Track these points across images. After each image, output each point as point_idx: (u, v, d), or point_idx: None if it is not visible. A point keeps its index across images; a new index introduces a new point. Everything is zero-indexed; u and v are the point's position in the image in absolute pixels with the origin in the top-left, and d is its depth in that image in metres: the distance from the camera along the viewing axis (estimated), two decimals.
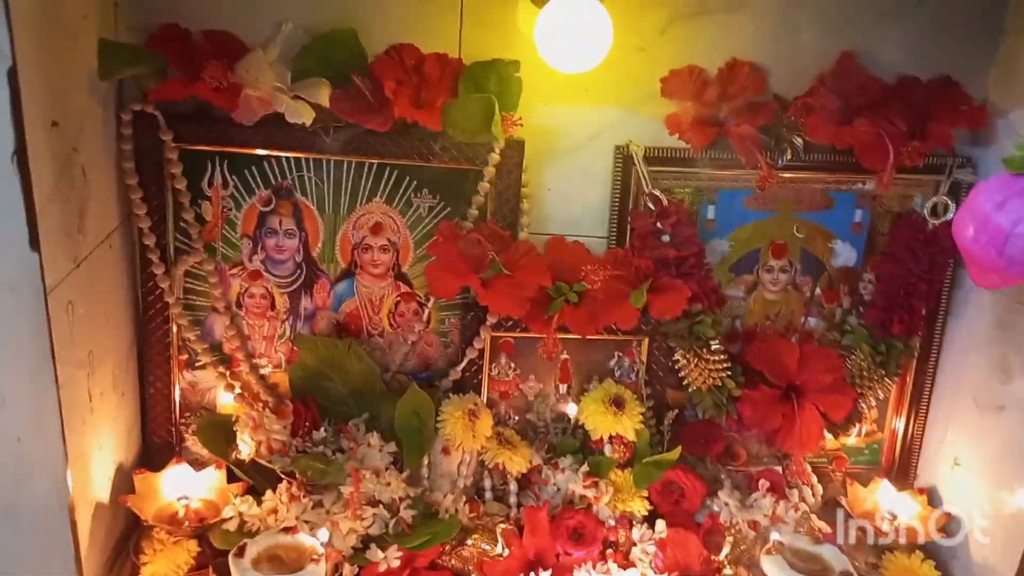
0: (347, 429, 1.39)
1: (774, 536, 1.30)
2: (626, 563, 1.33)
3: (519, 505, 1.41)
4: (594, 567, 1.31)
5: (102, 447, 1.28)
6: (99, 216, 1.24)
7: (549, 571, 1.28)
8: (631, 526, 1.36)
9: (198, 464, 1.40)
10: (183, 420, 1.44)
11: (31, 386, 0.99)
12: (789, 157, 1.38)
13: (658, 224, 1.38)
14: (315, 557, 1.14)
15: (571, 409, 1.47)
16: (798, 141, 1.37)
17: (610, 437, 1.42)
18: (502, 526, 1.32)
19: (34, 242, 0.94)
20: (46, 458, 0.99)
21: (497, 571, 1.31)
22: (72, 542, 1.02)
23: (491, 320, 1.41)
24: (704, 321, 1.39)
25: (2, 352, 0.96)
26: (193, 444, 1.45)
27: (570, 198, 1.44)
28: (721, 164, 1.40)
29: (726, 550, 1.34)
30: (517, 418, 1.49)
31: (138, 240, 1.35)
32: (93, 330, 1.23)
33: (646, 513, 1.39)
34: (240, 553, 1.13)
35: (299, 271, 1.41)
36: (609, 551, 1.34)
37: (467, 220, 1.39)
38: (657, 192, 1.38)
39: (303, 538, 1.18)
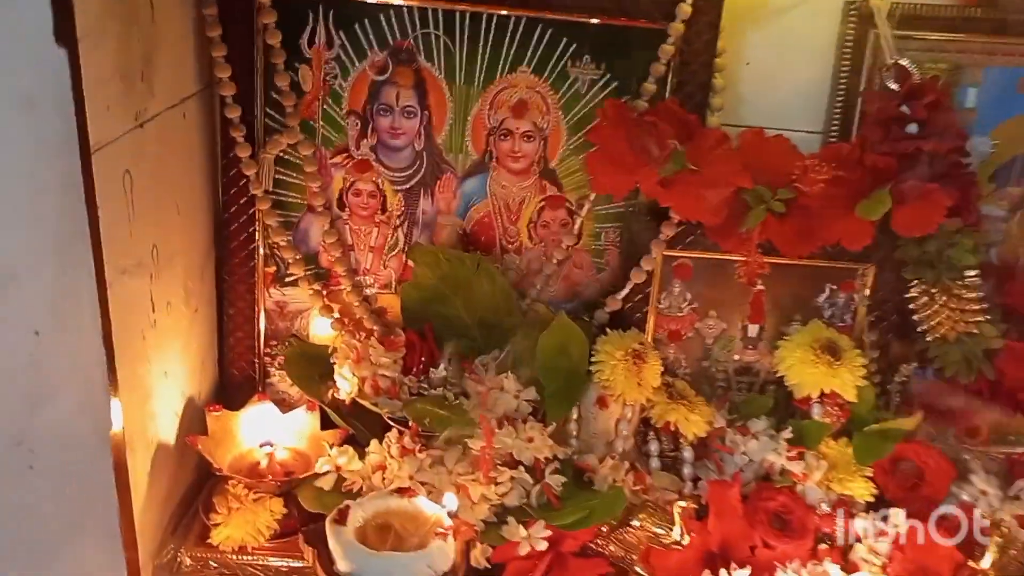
0: (473, 368, 1.08)
1: None
2: (846, 564, 0.97)
3: (695, 479, 1.07)
4: (803, 567, 0.97)
5: (167, 373, 0.99)
6: (171, 74, 0.95)
7: (747, 570, 0.94)
8: (851, 515, 1.01)
9: (285, 405, 1.11)
10: (268, 350, 1.15)
11: (55, 261, 0.70)
12: None
13: (904, 108, 1.01)
14: (440, 530, 0.83)
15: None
16: None
17: (820, 395, 1.07)
18: (682, 504, 0.99)
19: (62, 35, 0.63)
20: (77, 372, 0.70)
21: (670, 565, 0.98)
22: (115, 491, 0.72)
23: (664, 234, 1.07)
24: (962, 244, 1.02)
25: (12, 194, 0.66)
26: (279, 380, 1.16)
27: (776, 76, 1.10)
28: (995, 26, 1.02)
29: (989, 556, 0.97)
30: (688, 369, 1.15)
31: (219, 113, 1.06)
32: (159, 220, 0.94)
33: (871, 499, 1.03)
34: (341, 518, 0.82)
35: (418, 163, 1.10)
36: (823, 546, 0.99)
37: (640, 98, 1.05)
38: (905, 63, 1.01)
39: (424, 504, 0.86)
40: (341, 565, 0.79)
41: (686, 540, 0.98)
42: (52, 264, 0.70)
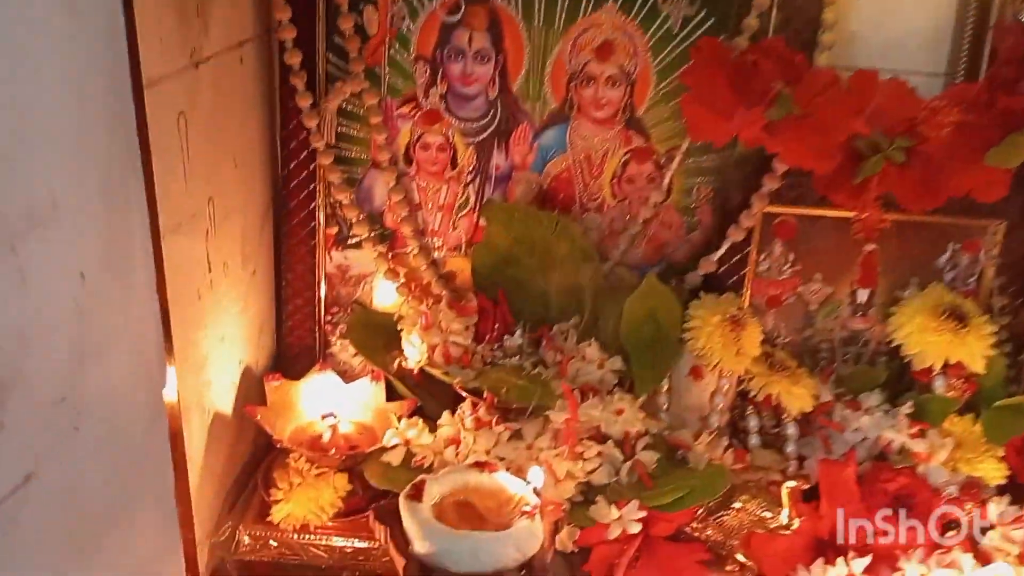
0: (551, 336, 0.99)
1: None
2: (977, 554, 0.86)
3: (800, 458, 0.96)
4: (928, 557, 0.85)
5: (224, 338, 0.92)
6: (227, 14, 0.88)
7: (865, 559, 0.83)
8: (982, 500, 0.89)
9: (347, 376, 1.03)
10: (329, 317, 1.08)
11: (103, 201, 0.62)
12: None
13: None
14: (527, 509, 0.74)
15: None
16: None
17: (944, 367, 0.95)
18: (791, 484, 0.88)
19: None
20: (128, 326, 0.62)
21: (776, 551, 0.88)
22: (171, 462, 0.65)
23: (767, 187, 0.96)
24: None
25: (58, 122, 0.58)
26: (340, 349, 1.08)
27: (893, 10, 0.98)
28: None
29: None
30: (788, 338, 1.04)
31: (279, 59, 0.98)
32: (215, 172, 0.87)
33: (1002, 481, 0.92)
34: (416, 494, 0.74)
35: (492, 112, 1.01)
36: (950, 534, 0.88)
37: (740, 36, 0.95)
38: None
39: (506, 480, 0.77)
40: (418, 545, 0.70)
41: (795, 524, 0.88)
42: (99, 203, 0.62)
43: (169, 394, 0.72)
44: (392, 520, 0.74)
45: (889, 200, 0.91)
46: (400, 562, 0.72)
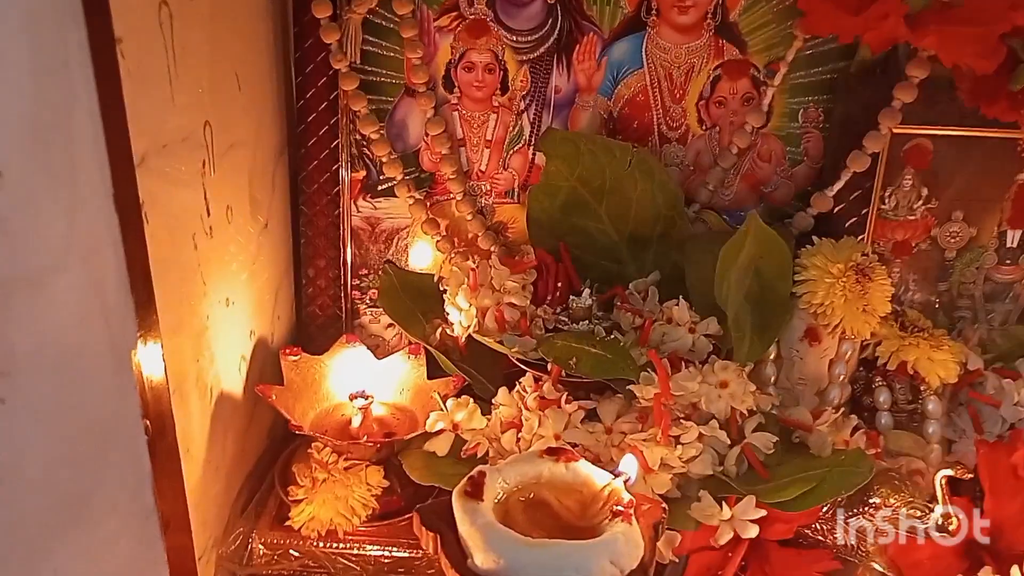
0: (626, 295, 0.81)
1: None
2: None
3: (945, 441, 0.77)
4: None
5: (229, 302, 0.75)
6: None
7: None
8: None
9: (379, 352, 0.86)
10: (357, 281, 0.90)
11: (31, 59, 0.44)
12: None
13: None
14: (620, 508, 0.56)
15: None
16: None
17: None
18: (947, 474, 0.69)
19: None
20: (74, 246, 0.44)
21: (922, 559, 0.70)
22: (146, 448, 0.47)
23: (900, 100, 0.77)
24: None
25: None
26: (372, 319, 0.91)
27: None
28: None
29: None
30: (918, 294, 0.85)
31: None
32: (213, 91, 0.70)
33: None
34: (475, 491, 0.56)
35: (551, 21, 0.82)
36: None
37: None
38: None
39: (587, 471, 0.59)
40: (480, 558, 0.52)
41: (954, 524, 0.69)
42: (27, 78, 0.44)
43: (151, 364, 0.55)
44: (443, 525, 0.56)
45: None
46: None
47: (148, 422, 0.54)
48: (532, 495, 0.59)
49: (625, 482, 0.59)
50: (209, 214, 0.70)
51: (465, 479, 0.57)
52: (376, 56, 0.83)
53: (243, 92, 0.76)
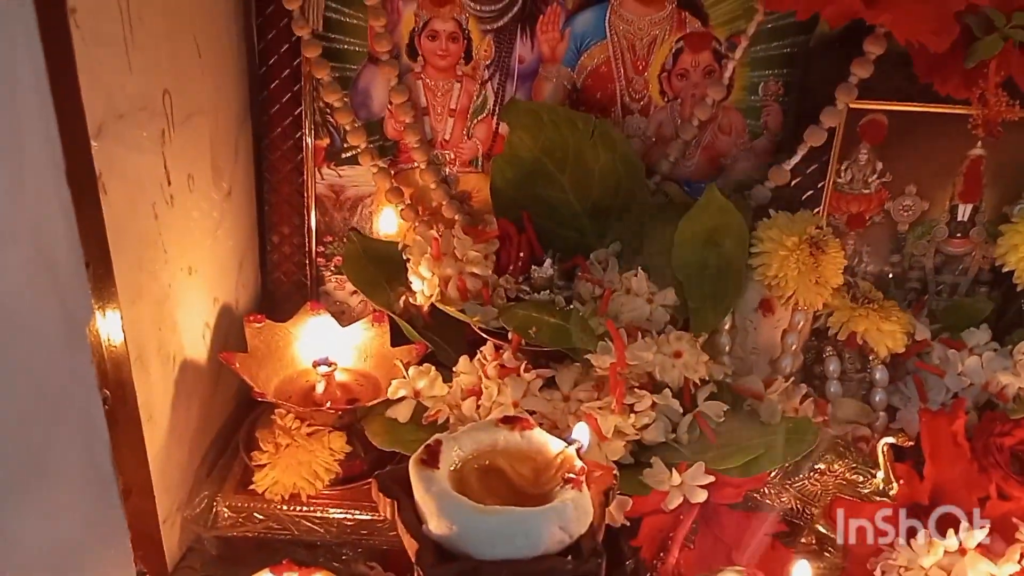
0: (587, 265, 0.82)
1: None
2: None
3: (891, 408, 0.80)
4: None
5: (193, 271, 0.75)
6: None
7: (981, 530, 0.67)
8: None
9: (345, 319, 0.87)
10: (322, 248, 0.91)
11: None
12: None
13: None
14: (572, 475, 0.58)
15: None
16: None
17: None
18: (890, 441, 0.72)
19: None
20: (20, 214, 0.44)
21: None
22: (102, 414, 0.48)
23: (856, 76, 0.78)
24: None
25: None
26: (337, 287, 0.92)
27: None
28: None
29: None
30: (871, 265, 0.87)
31: None
32: (173, 58, 0.70)
33: None
34: (431, 459, 0.57)
35: None
36: None
37: None
38: None
39: (542, 438, 0.61)
40: (434, 524, 0.54)
41: (894, 489, 0.72)
42: None
43: (110, 334, 0.56)
44: (400, 492, 0.58)
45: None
46: (412, 546, 0.56)
47: (108, 391, 0.55)
48: (487, 463, 0.61)
49: (577, 450, 0.60)
50: (170, 183, 0.71)
51: (421, 447, 0.59)
52: (339, 23, 0.83)
53: (203, 59, 0.76)
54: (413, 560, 0.55)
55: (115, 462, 0.50)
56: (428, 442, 0.59)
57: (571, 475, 0.58)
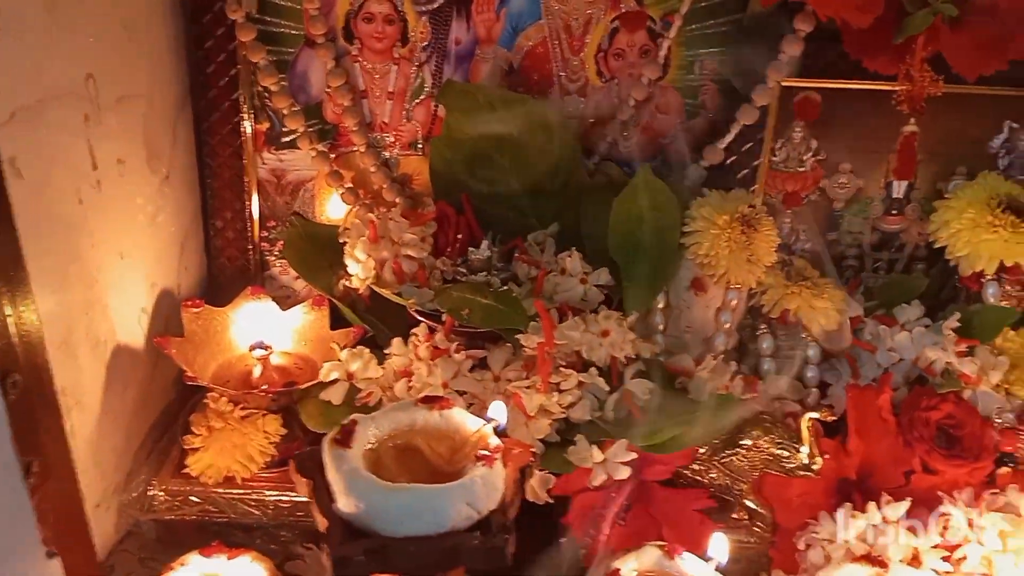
0: (524, 247, 0.82)
1: None
2: None
3: (823, 385, 0.81)
4: (978, 500, 0.70)
5: (124, 256, 0.76)
6: None
7: (904, 504, 0.68)
8: None
9: (291, 302, 0.87)
10: (265, 233, 0.91)
11: None
12: None
13: None
14: (484, 452, 0.58)
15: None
16: None
17: (998, 271, 0.79)
18: (813, 416, 0.73)
19: None
20: None
21: (792, 495, 0.73)
22: (2, 403, 0.49)
23: (786, 54, 0.78)
24: None
25: None
26: (282, 271, 0.92)
27: None
28: None
29: None
30: (808, 243, 0.87)
31: None
32: (97, 38, 0.70)
33: None
34: (344, 439, 0.58)
35: None
36: (1003, 470, 0.73)
37: None
38: None
39: (460, 418, 0.62)
40: (343, 502, 0.55)
41: (818, 464, 0.72)
42: None
43: (21, 320, 0.56)
44: (317, 472, 0.59)
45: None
46: (322, 523, 0.56)
47: (19, 375, 0.55)
48: (404, 442, 0.61)
49: (495, 428, 0.61)
50: (96, 167, 0.71)
51: (336, 428, 0.59)
52: (275, 6, 0.83)
53: (132, 42, 0.76)
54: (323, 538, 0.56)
55: (21, 445, 0.50)
56: (344, 422, 0.60)
57: (484, 452, 0.59)
